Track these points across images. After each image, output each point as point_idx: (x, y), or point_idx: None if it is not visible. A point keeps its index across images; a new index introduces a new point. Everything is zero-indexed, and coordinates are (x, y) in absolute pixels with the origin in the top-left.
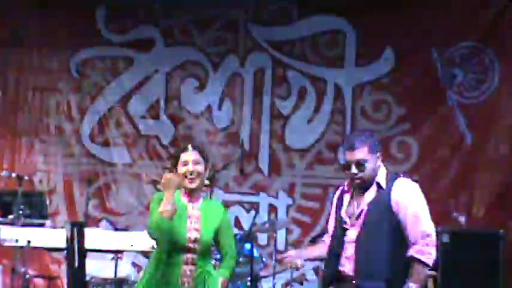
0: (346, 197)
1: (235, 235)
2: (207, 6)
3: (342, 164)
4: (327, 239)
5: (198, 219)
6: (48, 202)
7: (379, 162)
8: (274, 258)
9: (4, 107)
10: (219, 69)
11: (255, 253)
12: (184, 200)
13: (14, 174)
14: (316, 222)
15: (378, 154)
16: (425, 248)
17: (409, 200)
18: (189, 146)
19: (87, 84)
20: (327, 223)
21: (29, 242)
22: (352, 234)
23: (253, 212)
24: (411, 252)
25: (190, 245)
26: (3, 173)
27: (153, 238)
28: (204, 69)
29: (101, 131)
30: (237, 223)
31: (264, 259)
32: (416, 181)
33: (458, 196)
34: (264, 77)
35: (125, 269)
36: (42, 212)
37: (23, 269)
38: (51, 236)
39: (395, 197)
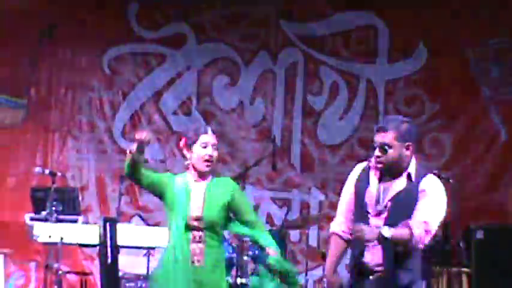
0: (373, 180)
1: (268, 231)
2: (239, 2)
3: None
4: (340, 227)
5: (202, 197)
6: (80, 198)
7: (409, 153)
8: (306, 254)
9: (37, 104)
10: (251, 66)
11: (287, 249)
12: (190, 179)
13: (47, 171)
14: None
15: (407, 144)
16: (422, 230)
17: (433, 193)
18: (209, 128)
19: (119, 81)
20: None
21: (61, 238)
22: (376, 223)
23: (285, 209)
24: (410, 222)
25: (194, 222)
26: (37, 169)
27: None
28: (235, 66)
29: (133, 128)
30: (269, 219)
31: (296, 256)
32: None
33: (493, 192)
34: (295, 73)
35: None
36: (75, 208)
37: (55, 265)
38: (84, 232)
39: (422, 189)
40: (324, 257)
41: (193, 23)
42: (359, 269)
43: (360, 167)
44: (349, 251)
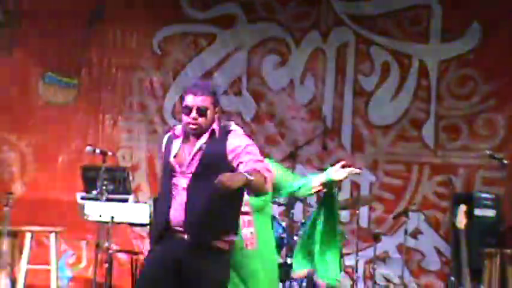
0: (176, 143)
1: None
2: None
3: (183, 108)
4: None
5: None
6: (131, 178)
7: (217, 115)
8: (356, 235)
9: (88, 84)
10: (301, 45)
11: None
12: None
13: (97, 150)
14: (399, 199)
15: (219, 107)
16: (268, 173)
17: (246, 146)
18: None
19: (169, 61)
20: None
21: (112, 217)
22: (182, 182)
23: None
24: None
25: (245, 207)
26: (88, 148)
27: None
28: (286, 45)
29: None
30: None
31: (346, 236)
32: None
33: None
34: (346, 53)
35: None
36: (125, 187)
37: (106, 244)
38: (134, 211)
39: (231, 146)
40: (376, 238)
41: (243, 3)
42: (164, 228)
43: (166, 138)
44: None
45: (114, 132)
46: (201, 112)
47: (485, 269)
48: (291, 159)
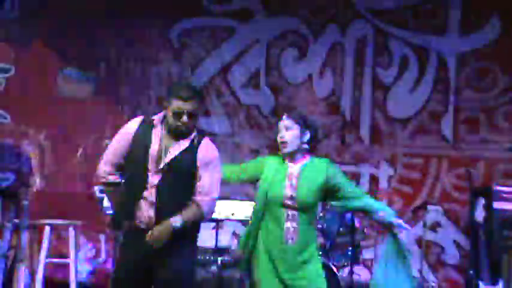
0: (156, 138)
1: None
2: None
3: (174, 111)
4: (112, 177)
5: (296, 178)
6: None
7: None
8: (375, 228)
9: (106, 78)
10: (320, 39)
11: (356, 223)
12: (286, 160)
13: None
14: (418, 192)
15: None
16: (210, 206)
17: (212, 161)
18: (284, 115)
19: (187, 55)
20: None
21: None
22: (153, 179)
23: (354, 182)
24: (197, 198)
25: (288, 201)
26: (106, 142)
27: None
28: (304, 39)
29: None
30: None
31: (365, 229)
32: None
33: None
34: (365, 46)
35: (225, 239)
36: None
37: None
38: None
39: (201, 155)
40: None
41: None
42: (136, 227)
43: (137, 121)
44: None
45: None
46: (192, 116)
47: (504, 262)
48: (309, 153)
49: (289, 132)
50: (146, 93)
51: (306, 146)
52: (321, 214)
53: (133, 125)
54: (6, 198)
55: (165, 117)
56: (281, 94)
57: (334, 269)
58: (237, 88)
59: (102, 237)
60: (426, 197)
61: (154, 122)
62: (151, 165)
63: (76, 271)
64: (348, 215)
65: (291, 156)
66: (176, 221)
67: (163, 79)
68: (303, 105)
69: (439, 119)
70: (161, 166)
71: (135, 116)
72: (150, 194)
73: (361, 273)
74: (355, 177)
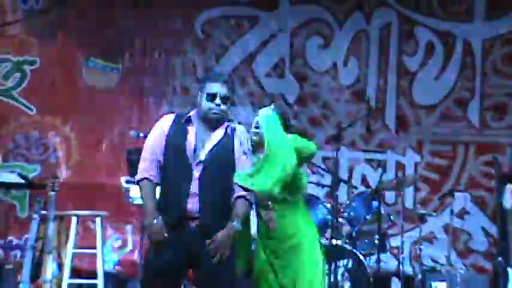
0: (191, 131)
1: (362, 193)
2: None
3: (207, 94)
4: (149, 172)
5: None
6: None
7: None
8: (402, 216)
9: (131, 68)
10: (344, 27)
11: (383, 211)
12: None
13: (141, 134)
14: (445, 179)
15: (234, 97)
16: (253, 194)
17: (248, 152)
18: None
19: (212, 45)
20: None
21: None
22: (194, 171)
23: (380, 170)
24: (241, 192)
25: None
26: (132, 133)
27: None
28: (329, 27)
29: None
30: (364, 181)
31: (391, 217)
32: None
33: None
34: (390, 34)
35: None
36: None
37: None
38: None
39: (238, 144)
40: (421, 219)
41: None
42: (180, 217)
43: (169, 119)
44: None
45: (157, 116)
46: (225, 100)
47: None
48: (335, 141)
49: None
50: (171, 83)
51: None
52: (347, 202)
53: (167, 122)
54: (33, 189)
55: (198, 112)
56: (306, 82)
57: (361, 257)
58: (261, 77)
59: (128, 227)
60: (453, 184)
61: (188, 117)
62: (190, 159)
63: (103, 261)
64: (375, 203)
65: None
66: (238, 224)
67: (187, 69)
68: (328, 93)
69: (465, 105)
70: (200, 159)
71: (160, 106)
72: (192, 187)
73: (388, 261)
74: (382, 165)
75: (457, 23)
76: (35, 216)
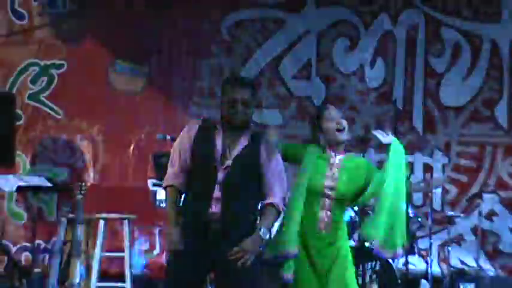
0: (217, 136)
1: None
2: None
3: (228, 100)
4: (176, 179)
5: (337, 169)
6: None
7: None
8: (430, 218)
9: (158, 70)
10: (371, 28)
11: (410, 213)
12: (329, 151)
13: (168, 137)
14: (473, 180)
15: (258, 101)
16: (282, 202)
17: (275, 155)
18: (330, 107)
19: (238, 47)
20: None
21: None
22: (219, 176)
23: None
24: (270, 200)
25: (327, 191)
26: (158, 135)
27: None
28: (355, 28)
29: None
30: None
31: (419, 219)
32: None
33: None
34: (416, 35)
35: None
36: None
37: None
38: None
39: (264, 151)
40: (450, 220)
41: None
42: (203, 221)
43: (195, 125)
44: None
45: (184, 119)
46: (247, 104)
47: None
48: (362, 143)
49: (343, 120)
50: (198, 85)
51: (348, 136)
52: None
53: (193, 128)
54: (60, 193)
55: (222, 117)
56: (332, 84)
57: (389, 259)
58: (288, 79)
59: (156, 230)
60: (481, 185)
61: (214, 122)
62: (216, 165)
63: (130, 264)
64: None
65: (337, 147)
66: (264, 231)
67: (214, 72)
68: (355, 95)
69: (493, 106)
70: (226, 164)
71: (186, 109)
72: (216, 191)
73: (416, 264)
74: (409, 167)
75: (484, 24)
76: (63, 219)
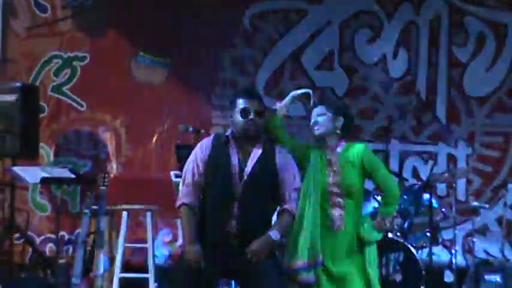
0: (231, 151)
1: (413, 185)
2: None
3: (240, 110)
4: (191, 198)
5: (336, 164)
6: None
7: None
8: (454, 208)
9: (180, 61)
10: (393, 18)
11: (434, 204)
12: (323, 148)
13: (190, 128)
14: (498, 171)
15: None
16: (295, 204)
17: (290, 162)
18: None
19: (260, 38)
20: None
21: None
22: (236, 191)
23: (431, 162)
24: (286, 206)
25: (333, 188)
26: (181, 127)
27: None
28: (378, 19)
29: (275, 84)
30: (415, 173)
31: (443, 210)
32: None
33: None
34: (440, 25)
35: None
36: None
37: None
38: None
39: (279, 160)
40: (474, 211)
41: None
42: (220, 236)
43: (208, 142)
44: None
45: (206, 110)
46: (259, 114)
47: None
48: (385, 133)
49: (321, 117)
50: (220, 77)
51: (338, 131)
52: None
53: (207, 145)
54: (84, 184)
55: (234, 130)
56: (355, 75)
57: (413, 250)
58: (310, 70)
59: (178, 221)
60: (506, 175)
61: (226, 137)
62: (233, 180)
63: (154, 256)
64: (426, 196)
65: (326, 142)
66: (275, 233)
67: (236, 63)
68: (378, 86)
69: None
70: (243, 180)
71: (209, 100)
72: (234, 207)
73: (440, 254)
74: (433, 157)
75: (508, 13)
76: (86, 211)
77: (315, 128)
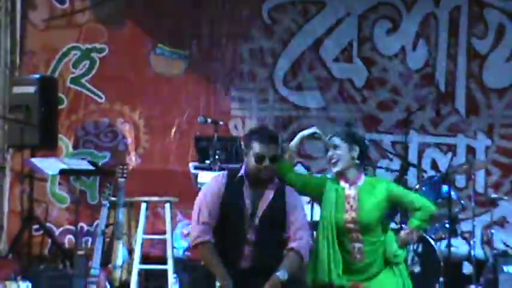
0: (246, 191)
1: (432, 177)
2: None
3: (255, 156)
4: (210, 235)
5: (354, 199)
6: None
7: None
8: (473, 200)
9: (199, 54)
10: (412, 10)
11: (453, 195)
12: (342, 182)
13: (209, 120)
14: None
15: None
16: (307, 247)
17: (299, 202)
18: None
19: (279, 30)
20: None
21: None
22: (251, 235)
23: (450, 154)
24: (293, 244)
25: (350, 225)
26: (199, 119)
27: None
28: (397, 10)
29: (294, 76)
30: (434, 165)
31: (462, 201)
32: None
33: None
34: (459, 16)
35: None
36: (237, 157)
37: None
38: None
39: (289, 200)
40: (493, 203)
41: None
42: (233, 276)
43: (222, 179)
44: None
45: (225, 102)
46: (274, 160)
47: None
48: (404, 125)
49: (337, 150)
50: (238, 69)
51: (357, 161)
52: (417, 186)
53: (221, 182)
54: (103, 176)
55: (246, 169)
56: (374, 67)
57: (432, 242)
58: (329, 62)
59: None
60: None
61: (241, 177)
62: (246, 222)
63: (172, 247)
64: (445, 187)
65: (345, 176)
66: (283, 273)
67: (255, 55)
68: (397, 78)
69: None
70: (256, 223)
71: (227, 92)
72: (246, 248)
73: (459, 246)
74: (452, 149)
75: None
76: (105, 202)
77: (332, 161)
